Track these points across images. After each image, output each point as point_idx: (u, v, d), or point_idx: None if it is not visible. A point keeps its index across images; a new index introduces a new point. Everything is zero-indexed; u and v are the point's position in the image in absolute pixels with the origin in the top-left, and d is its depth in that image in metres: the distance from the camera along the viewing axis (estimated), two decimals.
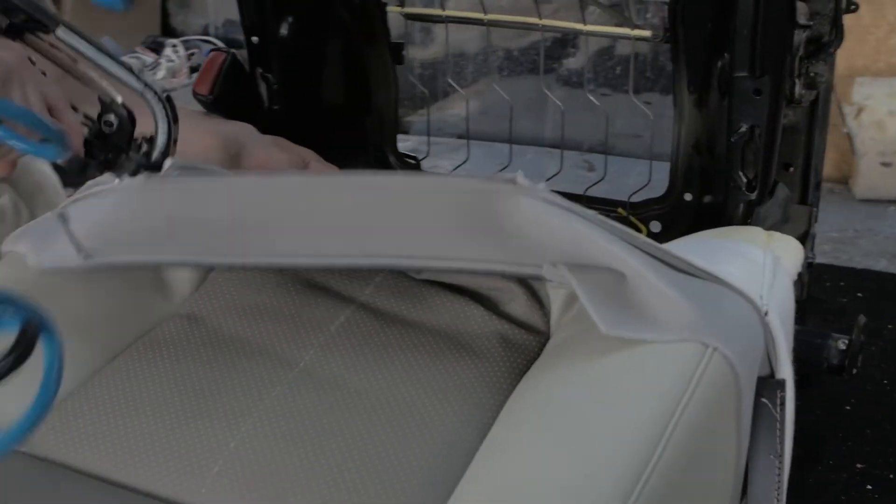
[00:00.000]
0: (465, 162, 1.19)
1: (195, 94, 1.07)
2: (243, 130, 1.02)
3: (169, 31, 3.11)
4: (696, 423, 0.64)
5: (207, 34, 2.95)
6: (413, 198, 0.71)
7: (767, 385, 0.72)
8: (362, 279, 0.84)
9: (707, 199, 1.00)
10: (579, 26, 1.00)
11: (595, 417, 0.64)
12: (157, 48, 2.68)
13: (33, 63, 0.86)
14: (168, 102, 0.83)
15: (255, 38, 1.08)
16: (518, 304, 0.80)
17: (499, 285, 0.81)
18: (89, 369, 0.81)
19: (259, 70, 1.10)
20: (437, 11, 1.08)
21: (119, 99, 0.84)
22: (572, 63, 2.49)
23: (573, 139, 2.34)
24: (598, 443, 0.62)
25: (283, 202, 0.74)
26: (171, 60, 2.58)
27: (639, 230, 1.05)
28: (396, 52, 1.16)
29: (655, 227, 1.05)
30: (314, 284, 0.84)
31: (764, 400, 0.72)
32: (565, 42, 2.41)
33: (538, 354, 0.77)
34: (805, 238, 1.03)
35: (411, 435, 0.70)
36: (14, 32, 0.84)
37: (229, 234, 0.74)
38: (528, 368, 0.76)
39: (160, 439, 0.72)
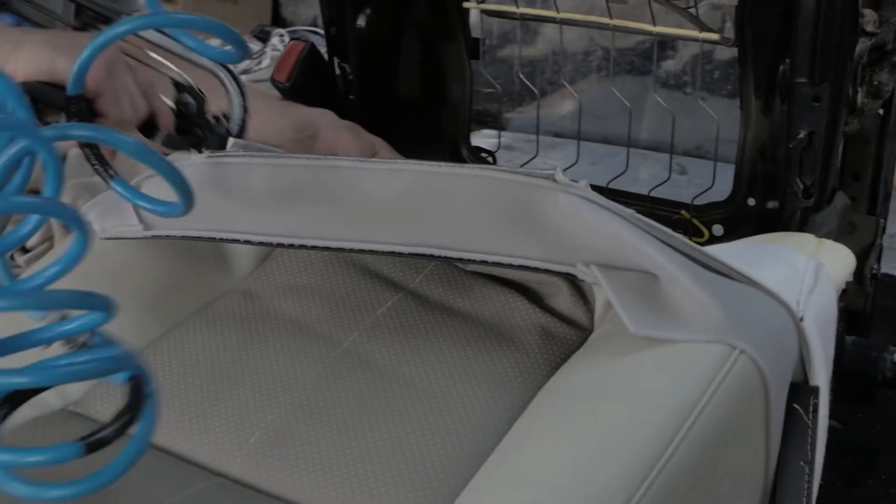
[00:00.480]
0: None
1: (273, 81, 1.10)
2: (320, 115, 1.06)
3: (279, 21, 3.19)
4: (717, 423, 0.64)
5: (316, 25, 3.01)
6: (455, 188, 0.73)
7: (800, 391, 0.72)
8: (414, 267, 0.86)
9: (770, 204, 0.99)
10: (648, 27, 1.00)
11: (613, 411, 0.65)
12: (264, 38, 2.74)
13: None
14: (237, 81, 0.87)
15: (333, 29, 1.11)
16: (562, 299, 0.82)
17: (544, 279, 0.82)
18: (148, 338, 0.85)
19: (336, 60, 1.13)
20: (511, 8, 1.09)
21: (191, 80, 0.88)
22: (671, 66, 2.47)
23: (667, 141, 2.33)
24: (612, 435, 0.63)
25: (334, 186, 0.76)
26: (277, 49, 2.64)
27: (701, 234, 1.05)
28: (474, 47, 1.18)
29: (718, 230, 1.05)
30: (368, 269, 0.87)
31: (796, 406, 0.72)
32: (664, 44, 2.40)
33: (577, 348, 0.78)
34: (870, 249, 1.01)
35: (441, 418, 0.72)
36: (88, 26, 0.89)
37: (282, 214, 0.77)
38: (565, 361, 0.77)
39: (203, 408, 0.76)
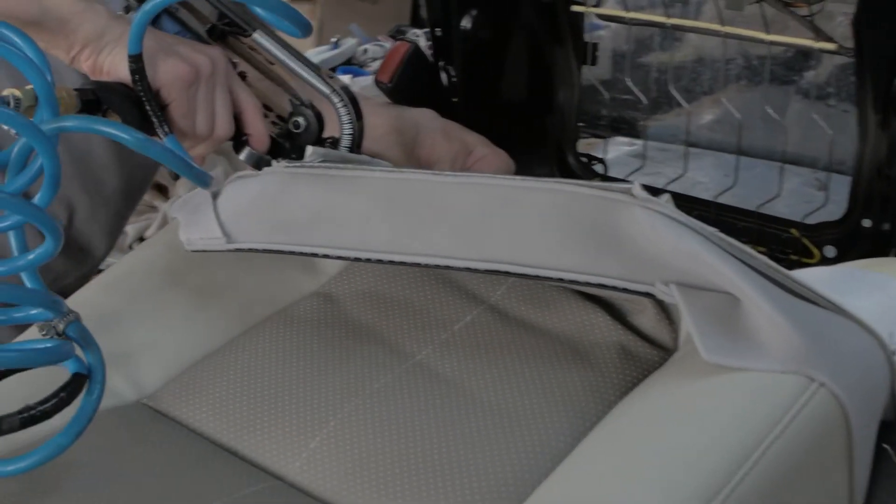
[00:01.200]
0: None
1: (377, 83, 1.09)
2: (420, 115, 1.04)
3: (418, 21, 3.19)
4: (790, 456, 0.60)
5: None
6: (530, 203, 0.70)
7: (892, 430, 0.67)
8: (496, 280, 0.84)
9: (885, 226, 0.93)
10: (762, 35, 0.95)
11: (680, 437, 0.61)
12: (399, 37, 2.75)
13: (235, 65, 0.91)
14: (354, 104, 0.87)
15: (438, 31, 1.10)
16: (646, 317, 0.78)
17: (629, 296, 0.78)
18: (226, 336, 0.85)
19: (441, 62, 1.11)
20: (620, 13, 1.06)
21: (308, 101, 0.88)
22: (812, 77, 2.37)
23: (807, 155, 2.23)
24: (676, 463, 0.59)
25: (408, 200, 0.74)
26: None
27: (811, 254, 0.99)
28: (585, 51, 1.14)
29: (830, 251, 0.99)
30: (450, 281, 0.84)
31: (886, 446, 0.67)
32: (807, 55, 2.30)
33: (657, 369, 0.75)
34: None
35: (504, 434, 0.69)
36: (217, 35, 0.90)
37: (357, 227, 0.76)
38: (641, 381, 0.73)
39: (269, 409, 0.75)
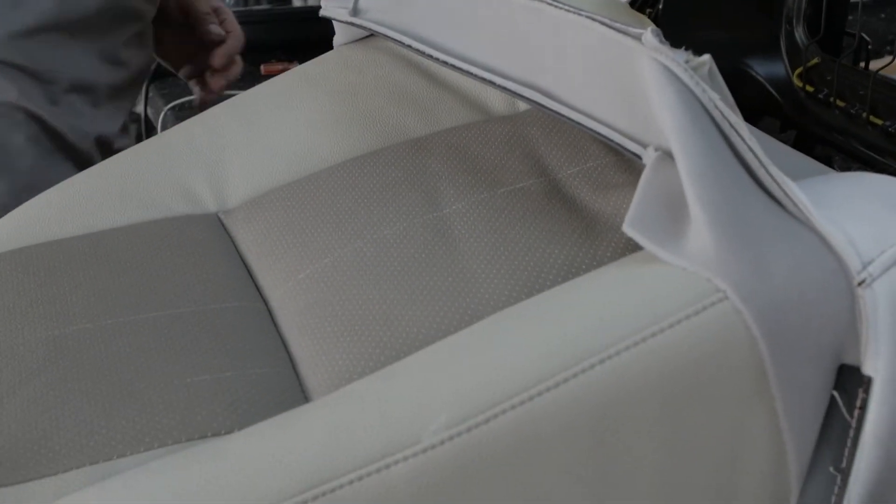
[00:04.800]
0: None
1: None
2: None
3: None
4: (662, 363, 0.52)
5: None
6: (570, 40, 0.65)
7: (846, 377, 0.54)
8: (578, 156, 0.78)
9: None
10: None
11: (550, 314, 0.56)
12: None
13: None
14: None
15: None
16: None
17: None
18: (320, 166, 0.87)
19: None
20: None
21: None
22: None
23: None
24: (532, 338, 0.54)
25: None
26: None
27: None
28: None
29: None
30: (527, 148, 0.80)
31: (834, 393, 0.55)
32: None
33: None
34: None
35: (450, 293, 0.66)
36: None
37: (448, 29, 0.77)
38: None
39: (292, 236, 0.77)
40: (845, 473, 0.55)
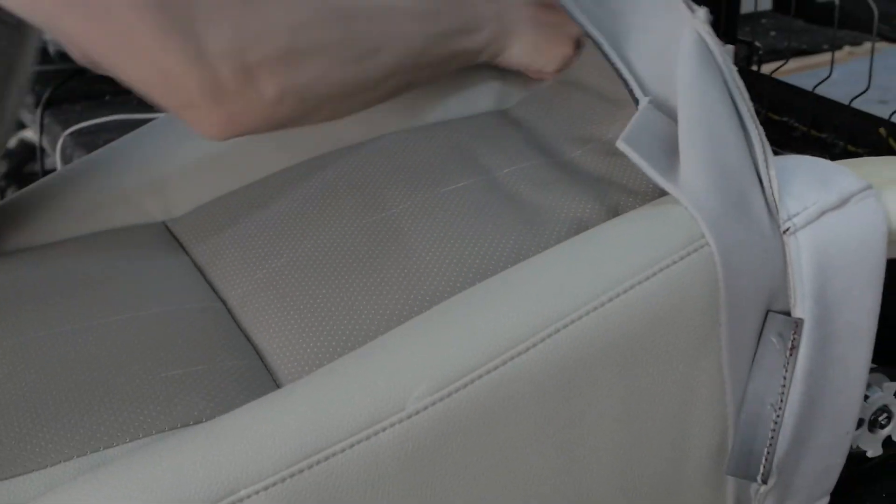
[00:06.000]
0: None
1: None
2: None
3: None
4: (648, 303, 0.59)
5: None
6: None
7: (780, 323, 0.61)
8: (513, 156, 0.83)
9: None
10: None
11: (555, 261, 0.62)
12: None
13: None
14: None
15: None
16: None
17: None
18: (263, 172, 0.90)
19: None
20: None
21: None
22: None
23: None
24: (539, 286, 0.60)
25: None
26: None
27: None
28: None
29: None
30: (462, 149, 0.85)
31: (772, 339, 0.61)
32: None
33: None
34: None
35: (403, 283, 0.71)
36: None
37: None
38: None
39: (243, 237, 0.80)
40: (781, 409, 0.61)
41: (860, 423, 0.72)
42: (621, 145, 0.61)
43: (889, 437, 0.73)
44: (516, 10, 0.87)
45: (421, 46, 0.78)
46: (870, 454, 0.74)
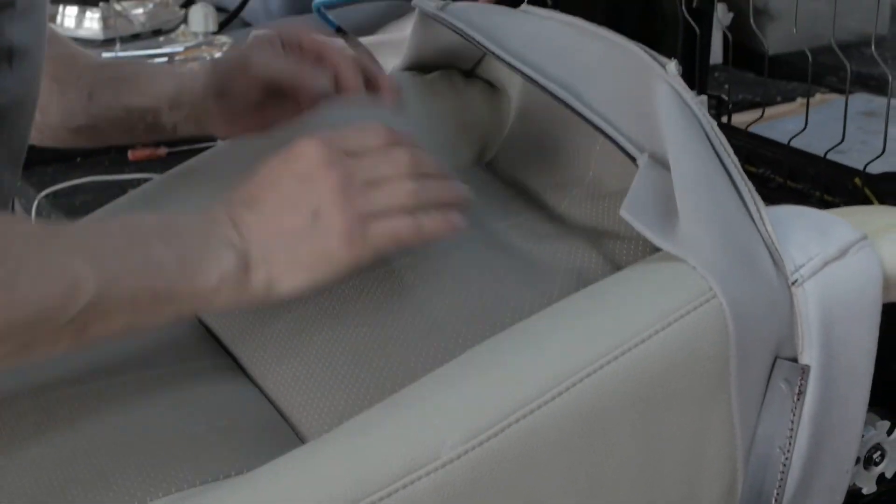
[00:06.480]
0: None
1: None
2: None
3: None
4: (662, 355, 0.62)
5: None
6: (593, 47, 0.75)
7: (787, 369, 0.64)
8: (506, 210, 0.87)
9: None
10: None
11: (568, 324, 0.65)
12: None
13: None
14: None
15: None
16: None
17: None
18: None
19: None
20: None
21: None
22: None
23: None
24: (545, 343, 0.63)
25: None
26: None
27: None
28: None
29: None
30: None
31: (780, 384, 0.64)
32: None
33: None
34: None
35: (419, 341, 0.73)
36: None
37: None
38: None
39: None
40: (789, 451, 0.64)
41: (857, 461, 0.75)
42: (625, 214, 0.65)
43: (882, 475, 0.77)
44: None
45: None
46: (865, 491, 0.77)
